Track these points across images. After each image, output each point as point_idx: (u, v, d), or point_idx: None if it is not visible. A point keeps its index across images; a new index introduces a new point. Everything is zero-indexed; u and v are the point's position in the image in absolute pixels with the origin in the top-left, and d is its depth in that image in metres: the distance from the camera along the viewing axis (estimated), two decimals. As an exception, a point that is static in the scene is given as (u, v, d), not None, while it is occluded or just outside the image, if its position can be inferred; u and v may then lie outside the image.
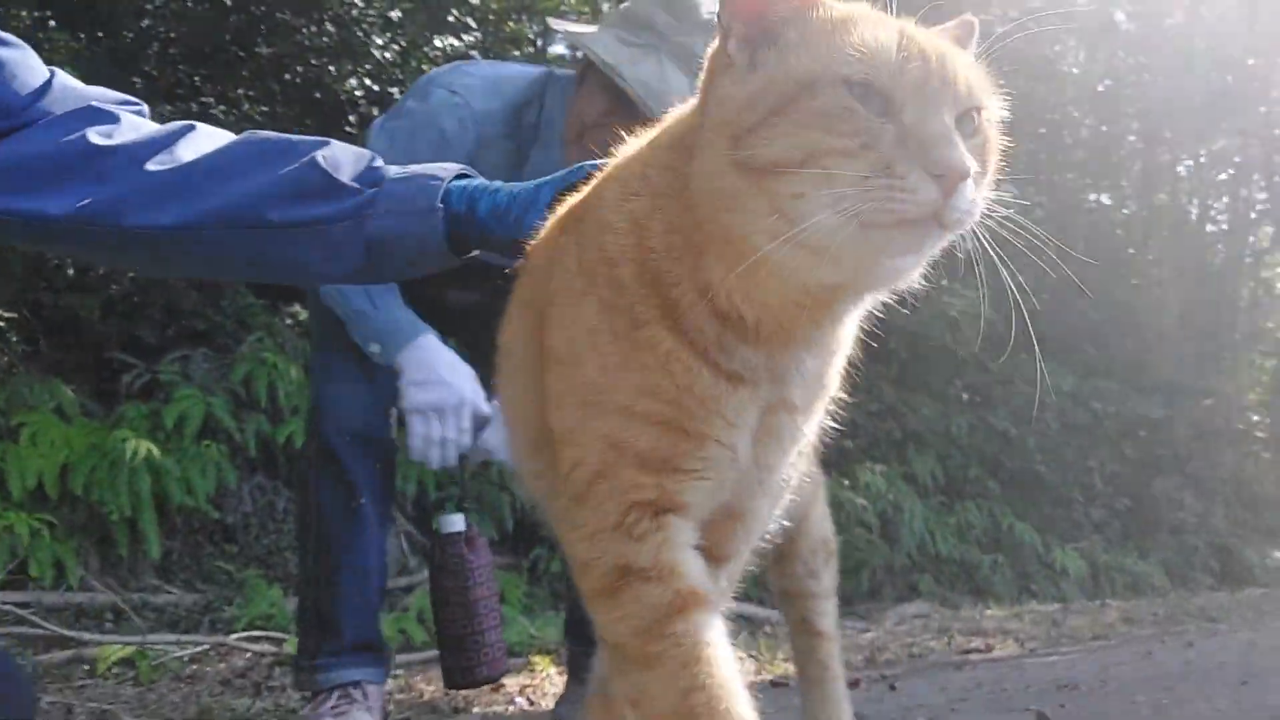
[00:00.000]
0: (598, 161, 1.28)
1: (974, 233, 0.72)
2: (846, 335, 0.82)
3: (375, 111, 5.44)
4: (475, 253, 1.30)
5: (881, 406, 8.13)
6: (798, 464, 0.87)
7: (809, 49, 0.70)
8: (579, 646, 2.37)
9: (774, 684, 3.13)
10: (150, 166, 1.27)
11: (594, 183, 0.89)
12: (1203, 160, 14.41)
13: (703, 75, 0.81)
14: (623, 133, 0.93)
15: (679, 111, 0.86)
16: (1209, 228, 14.69)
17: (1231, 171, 14.52)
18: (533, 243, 1.00)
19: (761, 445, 0.81)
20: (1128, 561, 8.27)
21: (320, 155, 1.30)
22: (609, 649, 0.81)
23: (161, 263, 1.48)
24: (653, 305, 0.78)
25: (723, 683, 0.75)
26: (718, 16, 0.76)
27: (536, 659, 3.65)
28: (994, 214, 0.71)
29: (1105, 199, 12.32)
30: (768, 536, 0.91)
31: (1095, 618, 5.82)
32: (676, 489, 0.79)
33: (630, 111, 1.82)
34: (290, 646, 3.61)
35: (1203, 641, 3.71)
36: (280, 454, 4.42)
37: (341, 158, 1.33)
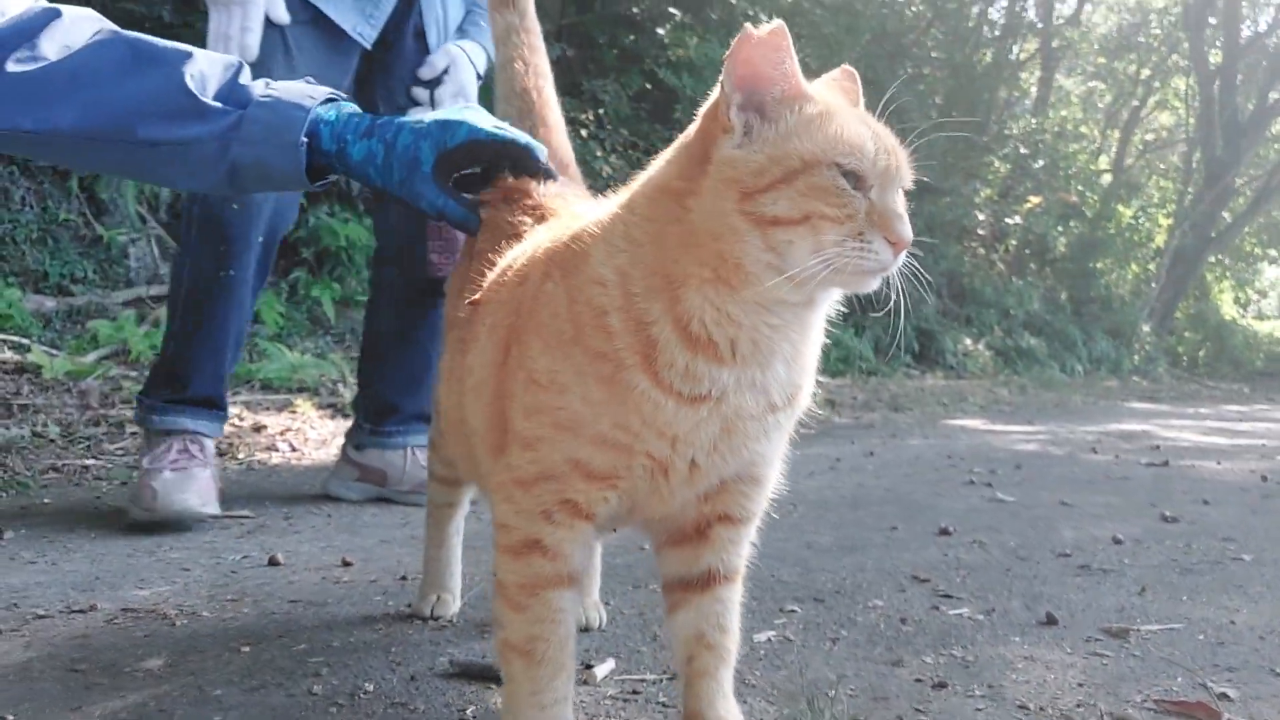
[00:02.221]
0: (469, 116, 1.35)
1: None
2: (816, 336, 1.01)
3: None
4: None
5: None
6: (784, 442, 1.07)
7: (809, 135, 0.90)
8: (368, 423, 2.57)
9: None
10: (10, 67, 1.23)
11: (579, 241, 1.00)
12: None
13: (696, 126, 0.95)
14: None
15: (652, 175, 0.98)
16: (985, 32, 15.37)
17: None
18: (501, 278, 1.15)
19: (753, 440, 0.99)
20: (845, 337, 9.17)
21: (189, 73, 1.29)
22: (498, 583, 1.06)
23: (25, 151, 1.44)
24: (635, 351, 0.94)
25: (561, 639, 1.03)
26: (721, 82, 0.91)
27: (298, 401, 3.80)
28: None
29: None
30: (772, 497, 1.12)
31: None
32: (601, 500, 1.00)
33: None
34: (35, 356, 3.58)
35: (883, 449, 4.35)
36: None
37: (209, 72, 1.31)
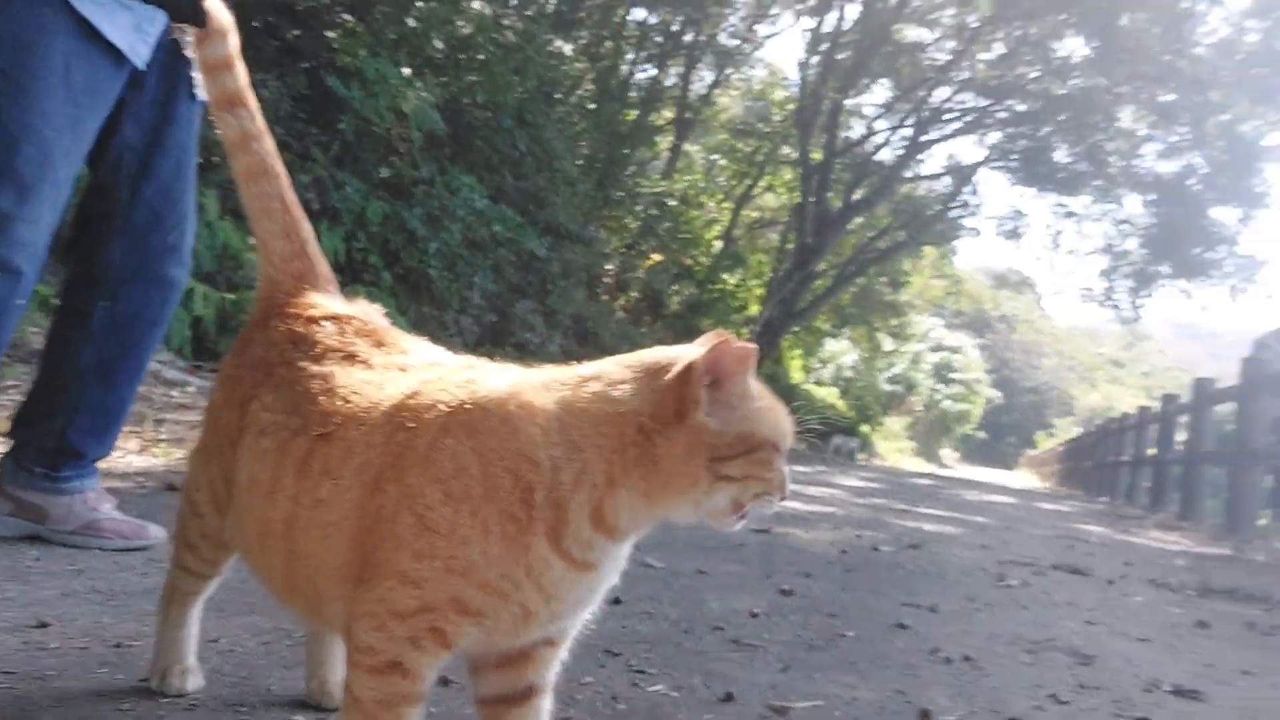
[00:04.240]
0: None
1: None
2: None
3: None
4: None
5: (312, 178, 8.17)
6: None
7: (763, 423, 1.14)
8: (40, 467, 2.41)
9: None
10: None
11: (492, 412, 1.14)
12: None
13: (671, 387, 1.13)
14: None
15: (600, 389, 1.15)
16: (632, 94, 16.50)
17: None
18: (357, 411, 1.23)
19: (597, 591, 1.20)
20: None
21: None
22: (350, 696, 1.16)
23: None
24: (548, 523, 1.09)
25: None
26: (696, 364, 1.12)
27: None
28: None
29: (567, 47, 13.14)
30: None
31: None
32: (467, 633, 1.13)
33: None
34: None
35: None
36: None
37: None
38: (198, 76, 2.41)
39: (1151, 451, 12.17)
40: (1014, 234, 19.71)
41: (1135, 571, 4.77)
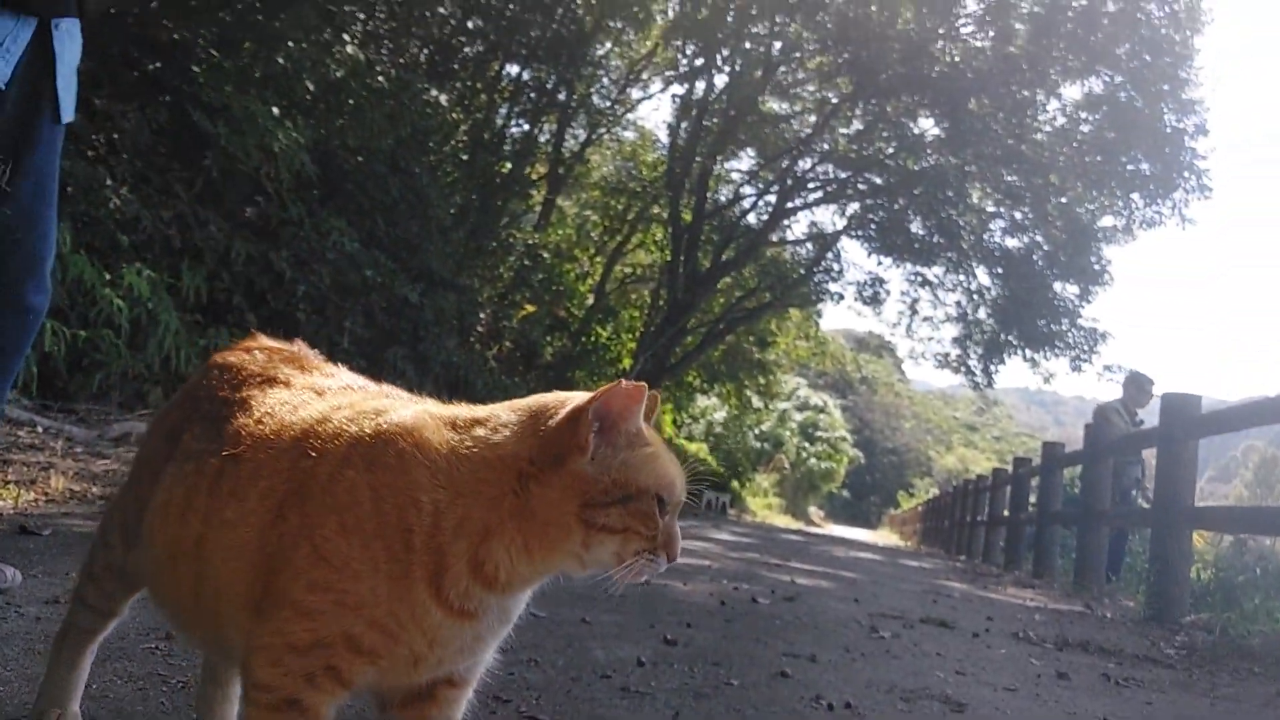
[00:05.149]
0: None
1: None
2: None
3: None
4: None
5: (173, 214, 7.86)
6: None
7: (643, 470, 1.09)
8: None
9: None
10: None
11: (389, 445, 1.10)
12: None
13: (556, 430, 1.09)
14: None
15: (484, 433, 1.11)
16: (506, 146, 16.56)
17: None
18: (268, 434, 1.18)
19: (486, 646, 1.16)
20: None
21: None
22: None
23: None
24: (426, 567, 1.05)
25: None
26: (585, 409, 1.07)
27: None
28: None
29: (443, 97, 13.15)
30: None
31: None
32: (362, 672, 1.09)
33: None
34: None
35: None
36: None
37: None
38: (65, 98, 2.32)
39: (1005, 513, 12.70)
40: (874, 299, 20.45)
41: (997, 625, 4.93)
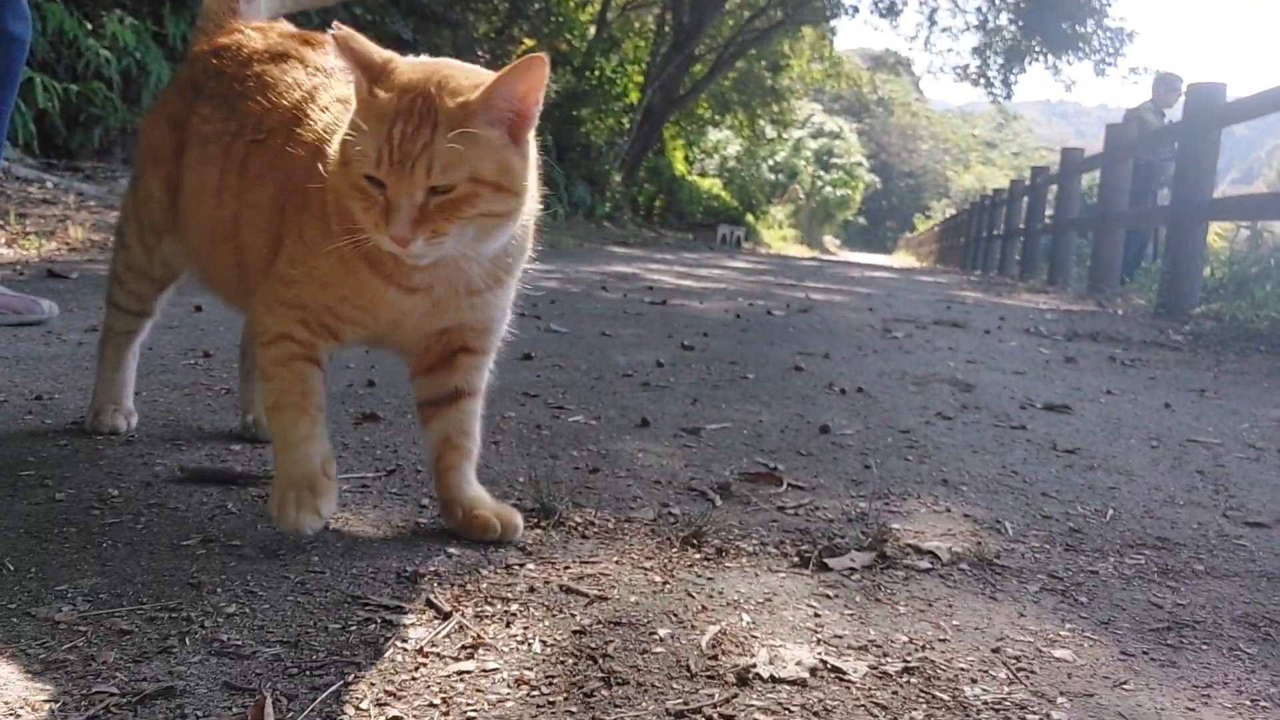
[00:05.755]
0: None
1: None
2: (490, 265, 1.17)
3: None
4: None
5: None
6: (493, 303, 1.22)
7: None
8: None
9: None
10: None
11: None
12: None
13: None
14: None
15: None
16: None
17: None
18: (281, 124, 1.23)
19: (449, 306, 1.18)
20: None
21: None
22: (257, 369, 1.23)
23: None
24: (361, 250, 1.10)
25: (301, 393, 1.17)
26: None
27: None
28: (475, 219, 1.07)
29: None
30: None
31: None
32: (349, 332, 1.18)
33: None
34: None
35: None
36: None
37: None
38: None
39: (1022, 225, 12.65)
40: (891, 10, 19.51)
41: (1009, 324, 5.05)
